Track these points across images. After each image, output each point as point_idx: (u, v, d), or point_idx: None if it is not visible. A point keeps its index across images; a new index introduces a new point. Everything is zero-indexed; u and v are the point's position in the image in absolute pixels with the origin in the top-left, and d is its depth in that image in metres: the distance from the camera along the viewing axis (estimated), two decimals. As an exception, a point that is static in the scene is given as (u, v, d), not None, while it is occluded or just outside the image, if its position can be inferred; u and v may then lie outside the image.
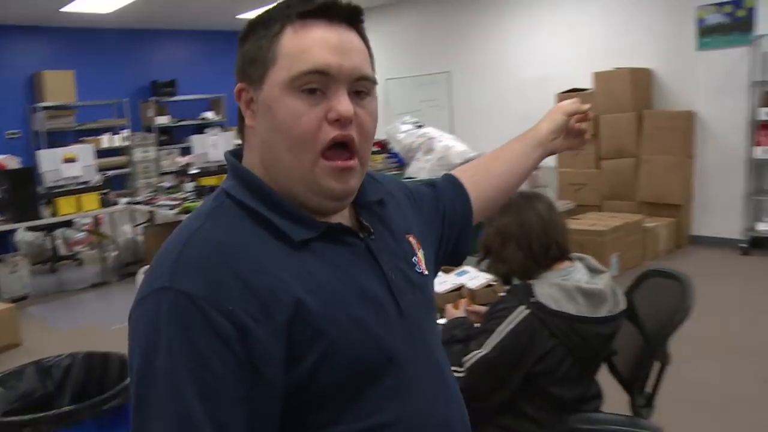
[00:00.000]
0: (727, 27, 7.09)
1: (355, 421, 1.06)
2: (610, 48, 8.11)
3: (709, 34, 7.21)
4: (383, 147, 9.64)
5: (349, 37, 1.10)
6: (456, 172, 1.59)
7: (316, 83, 1.04)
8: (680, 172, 7.40)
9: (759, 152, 6.89)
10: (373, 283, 1.12)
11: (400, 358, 1.11)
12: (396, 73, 10.93)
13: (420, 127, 7.99)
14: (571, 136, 1.64)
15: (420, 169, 7.46)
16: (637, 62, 7.83)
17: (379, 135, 9.81)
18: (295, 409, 1.03)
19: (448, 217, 1.46)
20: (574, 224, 6.76)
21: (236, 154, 1.16)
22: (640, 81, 7.74)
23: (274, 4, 1.10)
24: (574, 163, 8.16)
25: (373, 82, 1.14)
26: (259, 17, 1.10)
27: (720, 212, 7.41)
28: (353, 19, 1.11)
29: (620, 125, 7.65)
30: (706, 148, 7.44)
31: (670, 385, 2.41)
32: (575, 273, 2.17)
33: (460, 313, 2.41)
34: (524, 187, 6.04)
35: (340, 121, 1.05)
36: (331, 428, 1.05)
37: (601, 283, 2.16)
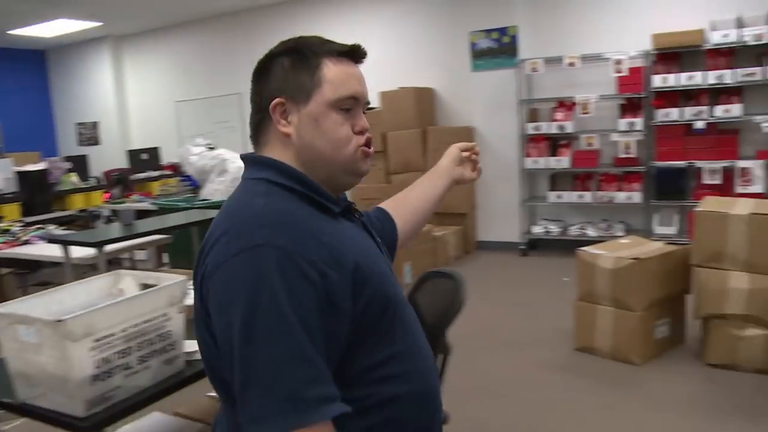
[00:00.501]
0: (496, 51, 7.80)
1: (381, 351, 1.33)
2: (395, 69, 8.58)
3: (481, 57, 7.89)
4: (176, 170, 9.50)
5: (361, 72, 1.52)
6: (381, 205, 1.95)
7: (350, 105, 1.45)
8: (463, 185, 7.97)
9: (529, 163, 7.63)
10: (374, 248, 1.49)
11: (401, 300, 1.44)
12: (187, 95, 10.85)
13: (212, 149, 7.98)
14: (467, 166, 2.08)
15: (214, 191, 7.46)
16: (421, 82, 8.37)
17: (172, 158, 9.71)
18: (349, 343, 1.29)
19: (380, 240, 1.67)
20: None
21: (251, 159, 1.45)
22: (424, 99, 8.27)
23: (297, 39, 1.47)
24: (366, 179, 8.46)
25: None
26: (288, 49, 1.45)
27: (501, 219, 8.10)
28: (363, 59, 1.53)
29: (406, 141, 8.12)
30: (485, 161, 8.00)
31: (459, 375, 2.61)
32: None
33: None
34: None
35: (363, 132, 1.49)
36: (368, 357, 1.32)
37: None
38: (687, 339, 4.79)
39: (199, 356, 2.31)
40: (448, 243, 7.68)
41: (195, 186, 8.52)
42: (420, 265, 7.01)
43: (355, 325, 1.29)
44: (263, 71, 1.45)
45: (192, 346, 2.39)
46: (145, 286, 2.28)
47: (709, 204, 4.45)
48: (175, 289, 2.19)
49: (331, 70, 1.43)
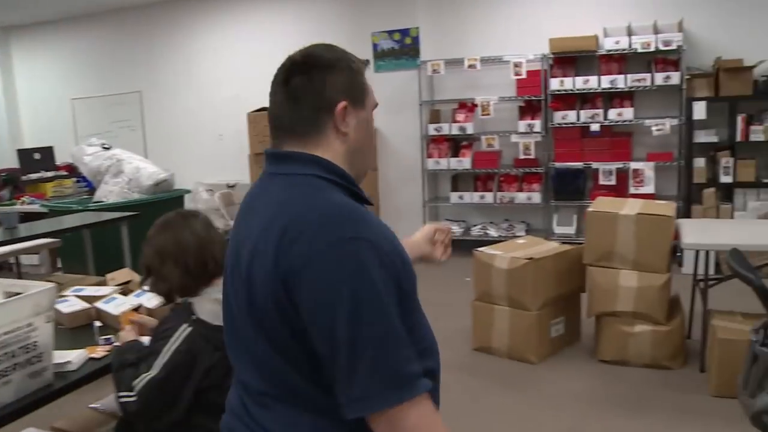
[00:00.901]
0: (398, 52, 7.82)
1: (414, 333, 1.34)
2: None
3: (383, 58, 7.89)
4: (73, 170, 9.12)
5: None
6: None
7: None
8: (366, 185, 7.95)
9: (431, 164, 7.68)
10: None
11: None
12: (82, 92, 10.42)
13: (107, 149, 7.69)
14: (438, 247, 2.11)
15: (109, 193, 7.19)
16: (323, 82, 8.29)
17: (65, 158, 9.32)
18: None
19: None
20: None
21: (295, 155, 1.40)
22: (326, 100, 8.19)
23: (332, 46, 1.52)
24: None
25: None
26: (342, 58, 1.47)
27: (404, 219, 8.09)
28: None
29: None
30: (389, 162, 8.11)
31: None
32: None
33: (131, 335, 2.39)
34: (219, 204, 6.05)
35: None
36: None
37: None
38: (582, 336, 4.90)
39: (71, 367, 2.23)
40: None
41: (90, 187, 8.20)
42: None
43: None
44: (325, 72, 1.43)
45: (63, 357, 2.26)
46: (10, 295, 2.13)
47: (600, 205, 4.57)
48: (42, 297, 2.06)
49: (367, 82, 1.51)
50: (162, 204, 7.03)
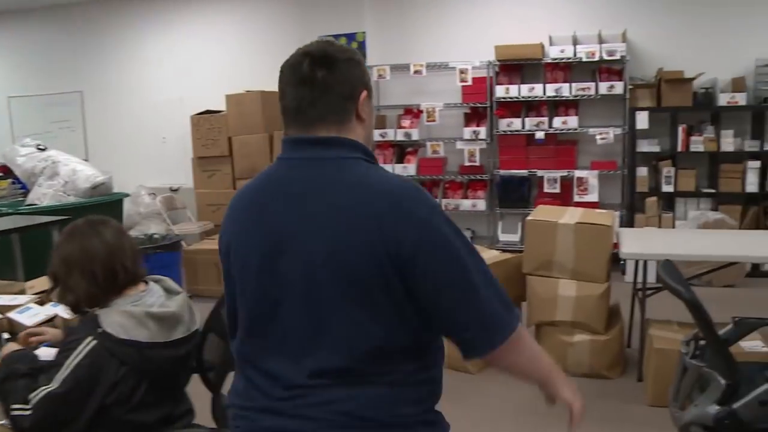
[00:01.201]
0: (345, 55, 7.71)
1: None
2: (242, 71, 8.35)
3: (329, 61, 7.77)
4: (7, 171, 8.80)
5: None
6: None
7: None
8: (311, 190, 7.84)
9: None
10: None
11: None
12: (20, 90, 10.07)
13: (42, 150, 7.44)
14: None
15: (42, 195, 6.94)
16: (269, 86, 8.15)
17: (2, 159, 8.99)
18: None
19: None
20: (208, 244, 6.79)
21: (335, 140, 1.51)
22: (271, 103, 8.05)
23: (350, 47, 1.59)
24: (211, 184, 8.22)
25: None
26: (356, 53, 1.57)
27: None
28: None
29: (253, 146, 7.89)
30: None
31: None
32: (148, 297, 2.17)
33: (16, 345, 2.27)
34: (161, 208, 5.85)
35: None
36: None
37: (174, 305, 2.19)
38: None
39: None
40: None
41: (25, 189, 7.92)
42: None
43: None
44: (348, 65, 1.52)
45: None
46: None
47: (540, 213, 4.53)
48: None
49: None
50: (99, 208, 6.81)
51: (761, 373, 2.38)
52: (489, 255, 4.68)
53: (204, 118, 8.13)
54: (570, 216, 4.38)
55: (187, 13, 8.74)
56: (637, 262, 4.56)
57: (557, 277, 4.29)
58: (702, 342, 2.75)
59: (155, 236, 5.58)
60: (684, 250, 4.18)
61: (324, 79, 1.48)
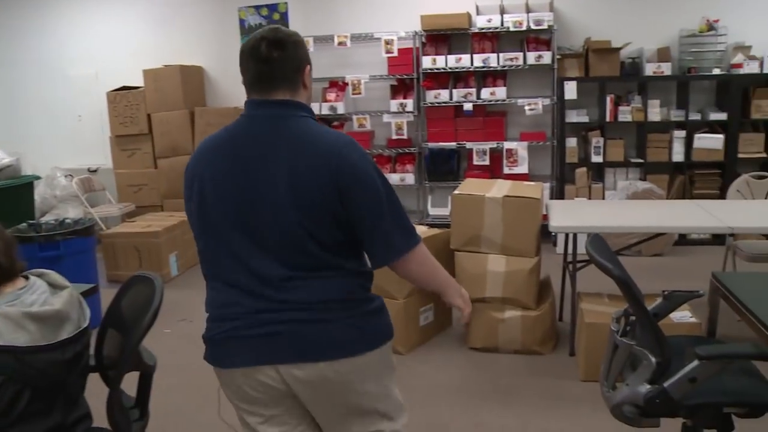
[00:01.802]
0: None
1: None
2: (159, 46, 7.98)
3: (250, 34, 7.45)
4: None
5: None
6: None
7: None
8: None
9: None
10: None
11: None
12: None
13: None
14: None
15: None
16: (188, 60, 7.83)
17: None
18: None
19: None
20: (128, 227, 6.47)
21: (289, 102, 1.93)
22: (191, 78, 7.74)
23: (283, 28, 1.98)
24: (131, 164, 7.86)
25: None
26: (299, 36, 1.98)
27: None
28: None
29: (173, 123, 7.56)
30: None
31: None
32: (28, 295, 1.94)
33: None
34: (78, 190, 5.51)
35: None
36: None
37: (60, 302, 1.96)
38: (454, 321, 4.75)
39: None
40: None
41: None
42: (189, 255, 6.56)
43: None
44: (295, 46, 1.93)
45: None
46: None
47: (467, 187, 4.39)
48: None
49: None
50: (5, 192, 6.43)
51: (691, 347, 2.29)
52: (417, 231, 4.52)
53: (121, 95, 7.76)
54: (498, 189, 4.26)
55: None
56: (567, 235, 4.48)
57: (486, 252, 4.17)
58: (632, 318, 2.66)
59: (67, 221, 5.25)
60: (614, 222, 4.09)
61: (279, 57, 1.90)
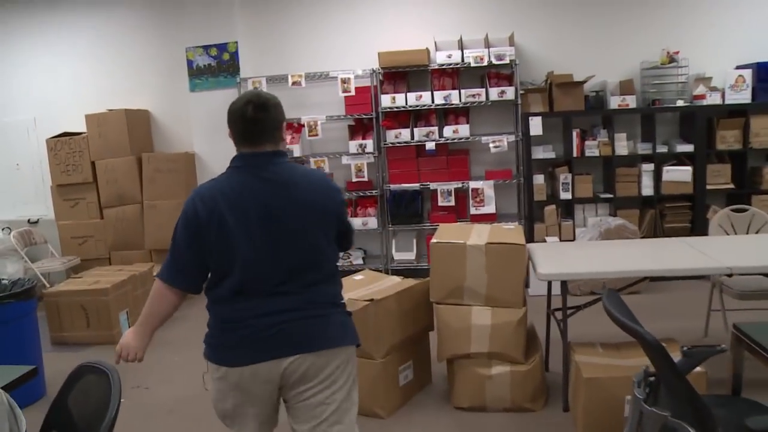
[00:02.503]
0: (215, 69, 7.08)
1: None
2: (102, 88, 7.59)
3: (199, 76, 7.12)
4: None
5: None
6: None
7: None
8: (187, 216, 7.16)
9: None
10: None
11: None
12: None
13: None
14: None
15: None
16: (134, 103, 7.43)
17: None
18: None
19: None
20: (73, 284, 5.99)
21: (275, 152, 2.40)
22: (138, 123, 7.33)
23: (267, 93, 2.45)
24: (74, 214, 7.39)
25: None
26: (271, 98, 2.38)
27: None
28: None
29: (120, 170, 7.13)
30: (210, 189, 7.32)
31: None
32: None
33: None
34: (16, 244, 5.05)
35: None
36: None
37: None
38: (434, 377, 4.42)
39: None
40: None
41: None
42: (138, 313, 6.09)
43: None
44: (275, 108, 2.37)
45: None
46: None
47: (444, 234, 4.08)
48: None
49: None
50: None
51: (733, 415, 2.02)
52: (390, 283, 4.19)
53: (62, 141, 7.31)
54: (477, 235, 3.97)
55: (38, 23, 7.79)
56: (550, 282, 4.20)
57: (469, 304, 3.86)
58: (651, 379, 2.37)
59: (3, 281, 4.79)
60: (607, 266, 3.81)
61: (265, 118, 2.32)
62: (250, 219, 2.26)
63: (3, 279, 4.90)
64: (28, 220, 7.91)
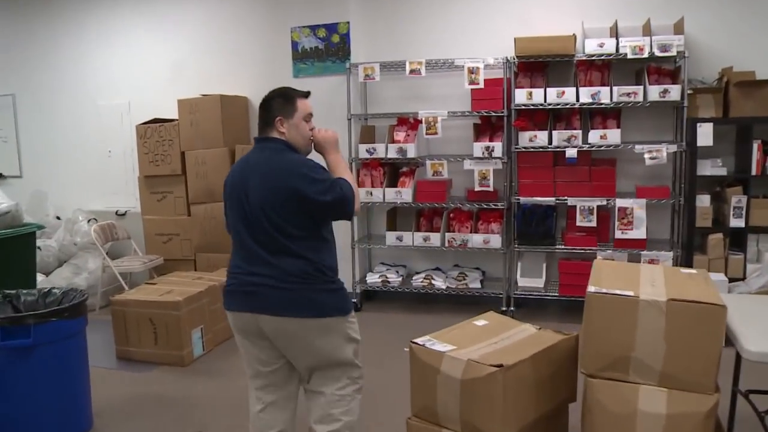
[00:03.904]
0: (323, 52, 6.18)
1: None
2: (198, 71, 6.84)
3: (304, 60, 6.23)
4: None
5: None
6: None
7: (309, 118, 2.92)
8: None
9: (362, 194, 5.99)
10: None
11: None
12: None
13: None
14: None
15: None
16: (231, 89, 6.63)
17: None
18: None
19: None
20: (144, 292, 5.20)
21: (271, 138, 2.86)
22: (234, 110, 6.54)
23: (282, 88, 2.93)
24: (161, 209, 6.68)
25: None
26: (278, 94, 2.88)
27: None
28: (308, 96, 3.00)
29: (211, 163, 6.35)
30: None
31: None
32: None
33: None
34: (96, 239, 4.28)
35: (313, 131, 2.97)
36: None
37: None
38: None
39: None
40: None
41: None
42: (218, 329, 5.27)
43: None
44: (272, 100, 2.86)
45: None
46: None
47: (604, 276, 2.95)
48: None
49: (300, 103, 2.88)
50: (2, 243, 5.24)
51: None
52: (521, 336, 3.10)
53: (152, 128, 6.61)
54: (650, 283, 2.83)
55: (142, 4, 7.13)
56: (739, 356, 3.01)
57: (637, 382, 2.73)
58: None
59: (54, 291, 4.03)
60: None
61: (264, 108, 2.88)
62: (236, 193, 2.80)
63: (54, 288, 4.13)
64: (116, 212, 7.29)
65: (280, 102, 2.84)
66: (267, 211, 2.69)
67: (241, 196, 2.75)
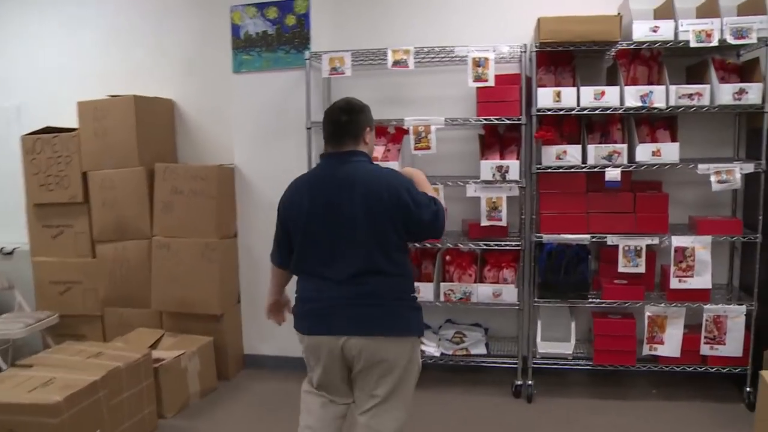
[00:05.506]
0: (273, 39, 4.63)
1: None
2: (106, 67, 5.26)
3: (249, 49, 4.64)
4: None
5: None
6: None
7: None
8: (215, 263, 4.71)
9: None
10: None
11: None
12: None
13: None
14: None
15: None
16: (149, 89, 5.06)
17: None
18: None
19: None
20: (9, 383, 3.51)
21: (357, 151, 2.69)
22: (154, 117, 4.98)
23: (354, 98, 2.77)
24: (56, 249, 5.04)
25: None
26: (364, 104, 2.75)
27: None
28: None
29: (122, 186, 4.76)
30: (252, 217, 4.86)
31: None
32: None
33: None
34: None
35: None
36: None
37: None
38: None
39: None
40: (187, 371, 4.34)
41: None
42: (128, 427, 3.68)
43: None
44: (361, 112, 2.71)
45: None
46: None
47: None
48: None
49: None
50: None
51: None
52: None
53: (43, 140, 4.99)
54: None
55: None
56: None
57: None
58: None
59: None
60: None
61: (348, 120, 2.67)
62: (317, 210, 2.60)
63: None
64: (1, 250, 5.60)
65: (369, 112, 2.78)
66: (370, 221, 2.55)
67: (325, 213, 2.60)
